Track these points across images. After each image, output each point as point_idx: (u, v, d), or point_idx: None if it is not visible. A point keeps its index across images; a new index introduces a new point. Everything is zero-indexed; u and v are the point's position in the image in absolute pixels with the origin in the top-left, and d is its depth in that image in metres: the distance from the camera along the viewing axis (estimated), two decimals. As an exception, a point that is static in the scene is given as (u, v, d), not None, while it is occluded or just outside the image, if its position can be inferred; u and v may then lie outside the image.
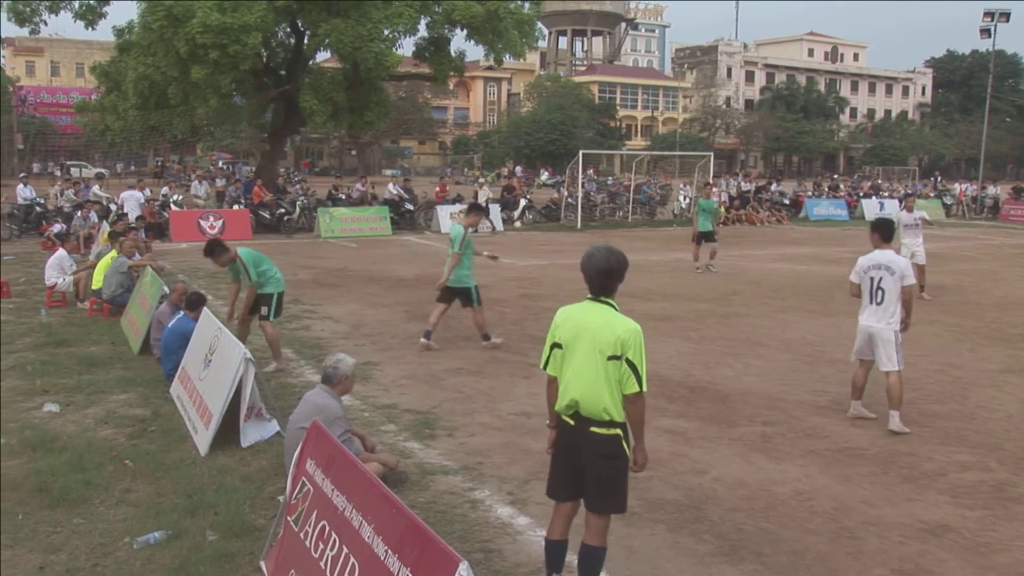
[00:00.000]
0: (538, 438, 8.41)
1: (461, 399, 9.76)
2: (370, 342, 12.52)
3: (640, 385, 5.11)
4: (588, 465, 5.22)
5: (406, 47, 38.52)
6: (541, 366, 5.54)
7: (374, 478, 4.60)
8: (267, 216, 28.54)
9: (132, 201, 25.72)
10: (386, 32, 30.14)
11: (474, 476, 7.43)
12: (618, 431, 5.19)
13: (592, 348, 5.17)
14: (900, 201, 25.41)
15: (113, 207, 26.39)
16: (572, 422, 5.26)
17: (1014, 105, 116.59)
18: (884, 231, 9.39)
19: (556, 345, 5.42)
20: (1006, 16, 69.25)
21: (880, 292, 9.06)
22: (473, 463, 7.73)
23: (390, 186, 33.44)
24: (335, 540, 4.61)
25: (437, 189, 34.83)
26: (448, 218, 29.97)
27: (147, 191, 28.22)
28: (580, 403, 5.19)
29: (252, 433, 8.07)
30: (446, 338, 12.80)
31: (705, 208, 20.91)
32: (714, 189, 31.63)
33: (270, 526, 5.85)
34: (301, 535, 5.01)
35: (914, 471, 7.79)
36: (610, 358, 5.11)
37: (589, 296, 5.42)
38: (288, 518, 5.27)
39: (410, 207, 31.21)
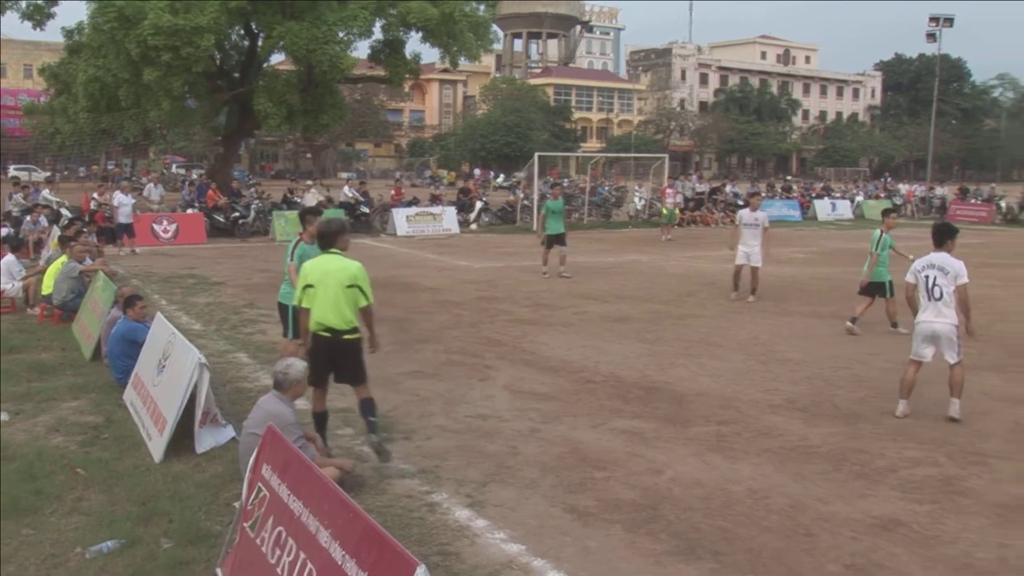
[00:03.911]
0: (495, 440, 8.44)
1: (418, 402, 9.75)
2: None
3: (368, 300, 7.61)
4: (344, 359, 7.64)
5: (361, 49, 38.30)
6: (295, 302, 7.87)
7: (330, 483, 4.59)
8: (221, 220, 28.30)
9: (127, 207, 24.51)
10: (341, 34, 29.98)
11: (431, 479, 7.43)
12: (359, 334, 7.66)
13: (337, 283, 7.52)
14: (745, 201, 24.14)
15: (65, 211, 26.00)
16: (329, 335, 7.55)
17: (959, 108, 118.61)
18: (937, 235, 9.66)
19: (308, 286, 7.60)
20: (950, 21, 70.52)
21: (937, 288, 9.35)
22: (430, 466, 7.73)
23: (345, 189, 33.30)
24: (292, 546, 4.59)
25: (392, 192, 34.74)
26: (404, 221, 29.93)
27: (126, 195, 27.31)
28: (333, 321, 7.53)
29: (207, 439, 8.00)
30: (402, 341, 12.79)
31: (554, 210, 19.96)
32: (668, 191, 31.88)
33: (226, 533, 5.80)
34: (257, 541, 4.98)
35: (866, 468, 7.90)
36: (348, 287, 7.53)
37: (324, 251, 7.77)
38: (244, 524, 5.24)
39: (366, 210, 31.08)
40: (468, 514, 6.74)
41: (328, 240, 7.79)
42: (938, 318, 9.34)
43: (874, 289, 14.34)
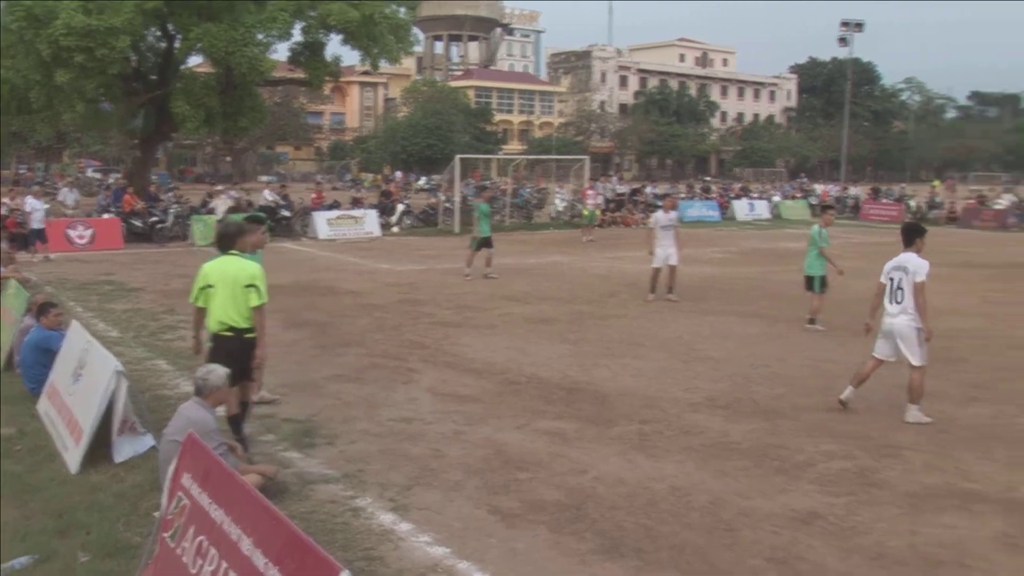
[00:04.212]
0: (418, 443, 8.43)
1: (341, 406, 9.69)
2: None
3: (262, 299, 7.87)
4: (244, 357, 7.85)
5: (281, 52, 37.80)
6: (191, 300, 8.06)
7: (252, 490, 4.55)
8: (139, 224, 27.76)
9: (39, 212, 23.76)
10: (260, 36, 29.58)
11: (355, 484, 7.39)
12: (254, 334, 7.93)
13: (236, 283, 7.80)
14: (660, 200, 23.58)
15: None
16: (231, 334, 7.87)
17: (870, 110, 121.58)
18: (905, 235, 9.87)
19: (208, 286, 7.89)
20: (860, 26, 72.26)
21: (900, 292, 9.49)
22: (354, 471, 7.68)
23: (265, 192, 32.91)
24: (214, 555, 4.53)
25: (313, 195, 34.44)
26: (325, 224, 29.69)
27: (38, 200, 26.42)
28: (236, 320, 7.83)
29: (126, 448, 7.85)
30: (324, 345, 12.70)
31: (486, 212, 20.27)
32: (589, 192, 32.11)
33: (145, 544, 5.70)
34: (178, 551, 4.90)
35: (785, 463, 8.06)
36: (246, 287, 7.79)
37: (223, 252, 8.04)
38: (164, 534, 5.15)
39: (286, 213, 30.76)
40: (392, 518, 6.72)
41: (227, 242, 8.12)
42: (898, 316, 9.51)
43: (811, 284, 14.68)
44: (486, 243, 19.93)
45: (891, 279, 9.61)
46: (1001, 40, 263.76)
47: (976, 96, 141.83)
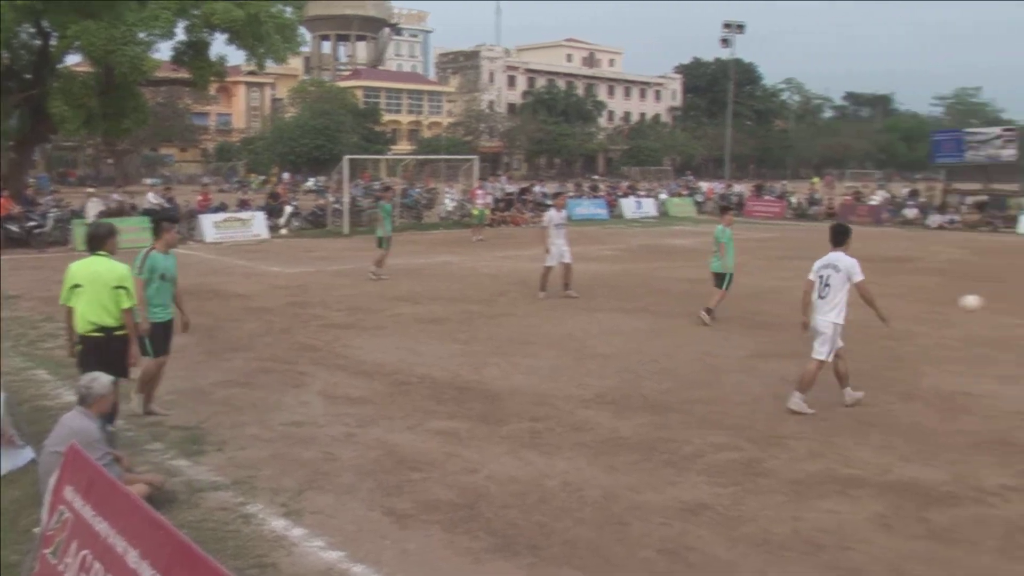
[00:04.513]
0: (310, 447, 8.35)
1: (230, 412, 9.53)
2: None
3: (132, 301, 8.04)
4: (115, 356, 7.92)
5: (164, 51, 36.89)
6: (61, 302, 8.12)
7: (138, 500, 4.45)
8: (15, 229, 26.73)
9: None
10: (141, 35, 28.83)
11: (246, 490, 7.28)
12: (126, 331, 8.03)
13: (105, 284, 7.87)
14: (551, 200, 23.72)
15: None
16: (102, 334, 7.93)
17: (753, 110, 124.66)
18: (834, 235, 10.06)
19: (76, 286, 7.94)
20: (741, 28, 74.02)
21: (827, 288, 9.68)
22: (244, 477, 7.57)
23: (149, 195, 32.11)
24: (98, 569, 4.41)
25: (200, 198, 33.73)
26: (212, 227, 29.11)
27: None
28: (105, 319, 7.91)
29: (3, 462, 7.58)
30: (212, 350, 12.46)
31: (389, 212, 20.55)
32: (479, 192, 32.19)
33: (24, 562, 5.52)
34: (60, 568, 4.76)
35: (674, 455, 8.22)
36: (115, 287, 7.88)
37: (92, 252, 8.11)
38: (44, 551, 4.99)
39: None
40: (285, 523, 6.65)
41: (97, 243, 8.19)
42: (817, 314, 9.75)
43: (716, 279, 15.16)
44: (388, 242, 20.09)
45: (820, 276, 9.85)
46: (875, 44, 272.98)
47: (851, 97, 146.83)
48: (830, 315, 9.65)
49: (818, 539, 6.46)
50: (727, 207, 16.99)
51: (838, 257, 9.82)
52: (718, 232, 15.20)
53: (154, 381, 9.47)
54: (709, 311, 14.86)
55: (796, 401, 9.69)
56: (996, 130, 42.07)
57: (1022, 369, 11.88)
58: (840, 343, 9.83)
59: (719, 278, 15.13)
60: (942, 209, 39.33)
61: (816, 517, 6.85)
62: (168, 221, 9.63)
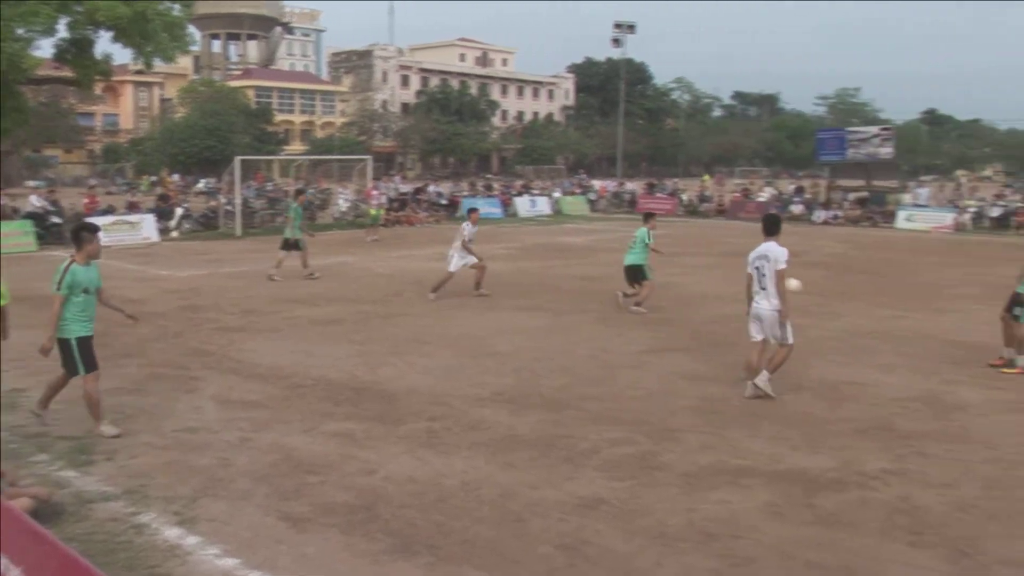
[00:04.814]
0: (205, 453, 8.20)
1: (121, 420, 9.27)
2: (15, 366, 11.56)
3: (4, 299, 8.31)
4: None
5: (45, 48, 35.83)
6: None
7: (21, 515, 4.33)
8: None
9: None
10: (20, 31, 27.95)
11: (138, 499, 7.10)
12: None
13: None
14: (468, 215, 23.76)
15: None
16: None
17: (644, 109, 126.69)
18: (766, 225, 10.43)
19: None
20: (632, 28, 75.15)
21: (764, 278, 10.05)
22: (136, 486, 7.38)
23: (32, 198, 31.06)
24: (-20, 585, 4.27)
25: (86, 200, 32.77)
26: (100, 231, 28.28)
27: None
28: None
29: None
30: (103, 357, 12.07)
31: (299, 214, 20.57)
32: (374, 192, 32.00)
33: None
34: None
35: (571, 452, 8.30)
36: None
37: None
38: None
39: (57, 220, 29.13)
40: (179, 532, 6.51)
41: None
42: (762, 303, 10.11)
43: (634, 273, 15.95)
44: (292, 245, 20.06)
45: (756, 268, 10.18)
46: (762, 46, 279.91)
47: (739, 96, 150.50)
48: (774, 301, 10.05)
49: (711, 529, 6.60)
50: (650, 214, 17.54)
51: (769, 247, 10.15)
52: (643, 234, 16.16)
53: (57, 390, 9.16)
54: (638, 304, 15.69)
55: (763, 380, 10.12)
56: (875, 129, 43.43)
57: (900, 358, 12.31)
58: (759, 337, 10.29)
59: (637, 271, 15.96)
60: (826, 205, 40.49)
61: (709, 508, 7.00)
62: (89, 231, 8.98)
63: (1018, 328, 11.52)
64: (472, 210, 19.43)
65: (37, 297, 17.38)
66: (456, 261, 17.13)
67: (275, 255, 20.13)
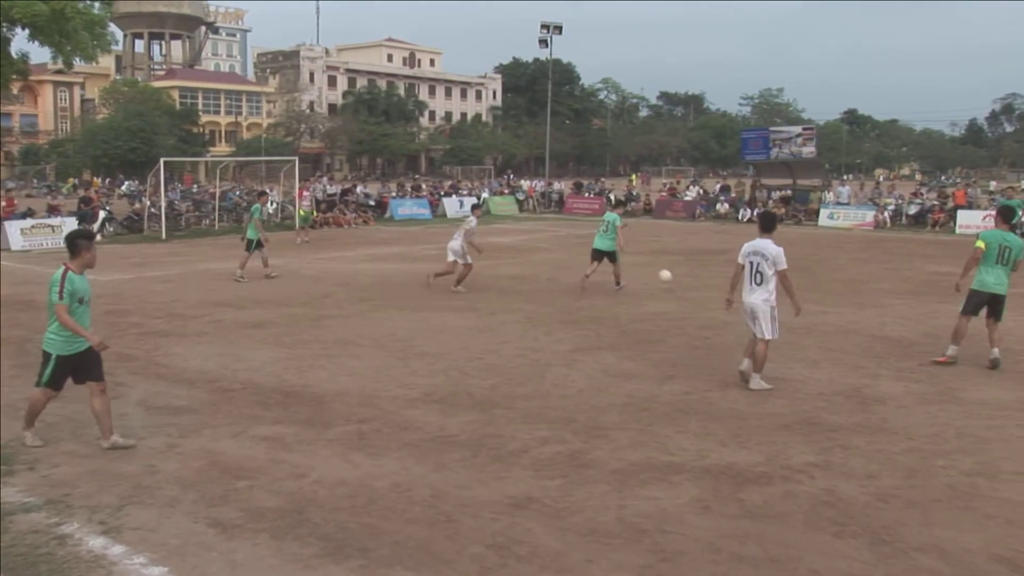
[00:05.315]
0: (130, 461, 8.08)
1: (43, 428, 9.07)
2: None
3: None
4: None
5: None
6: None
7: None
8: None
9: None
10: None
11: (60, 509, 6.96)
12: None
13: None
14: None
15: None
16: None
17: (572, 109, 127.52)
18: (762, 222, 10.70)
19: None
20: (559, 29, 75.56)
21: (759, 275, 10.26)
22: (59, 496, 7.24)
23: (-55, 203, 30.33)
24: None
25: (3, 203, 32.04)
26: (19, 234, 27.69)
27: None
28: None
29: None
30: (25, 364, 11.86)
31: (259, 216, 20.83)
32: (305, 193, 31.78)
33: None
34: None
35: (501, 451, 8.34)
36: None
37: None
38: None
39: (-29, 225, 28.44)
40: (103, 542, 6.40)
41: None
42: (754, 296, 10.34)
43: (604, 255, 17.75)
44: (259, 244, 20.25)
45: (750, 263, 10.39)
46: (691, 45, 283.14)
47: (664, 96, 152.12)
48: (767, 299, 10.31)
49: (641, 525, 6.68)
50: (620, 201, 19.58)
51: (766, 245, 10.36)
52: (615, 219, 17.91)
53: (40, 409, 8.90)
54: (618, 284, 17.64)
55: (756, 381, 10.44)
56: (797, 129, 44.10)
57: (824, 354, 12.57)
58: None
59: (605, 255, 17.49)
60: (751, 203, 41.06)
61: (639, 504, 7.08)
62: (85, 238, 8.76)
63: (961, 320, 11.84)
64: (475, 206, 20.04)
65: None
66: (461, 255, 17.83)
67: (239, 256, 20.45)
